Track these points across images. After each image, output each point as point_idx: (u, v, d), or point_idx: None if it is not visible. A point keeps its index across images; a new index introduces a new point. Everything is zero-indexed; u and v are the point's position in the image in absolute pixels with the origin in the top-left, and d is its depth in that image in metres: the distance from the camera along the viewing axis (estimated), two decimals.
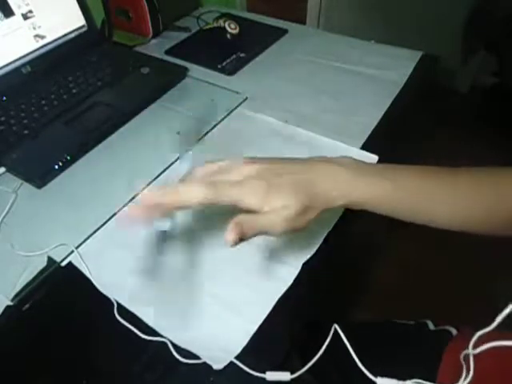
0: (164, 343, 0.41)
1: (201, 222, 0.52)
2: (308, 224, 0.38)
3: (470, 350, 0.35)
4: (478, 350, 0.35)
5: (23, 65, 0.71)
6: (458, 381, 0.37)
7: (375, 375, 0.39)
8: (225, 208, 0.52)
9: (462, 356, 0.37)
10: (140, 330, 0.42)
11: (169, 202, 0.35)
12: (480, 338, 0.35)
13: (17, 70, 0.71)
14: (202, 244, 0.50)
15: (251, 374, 0.39)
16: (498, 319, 0.33)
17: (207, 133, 0.64)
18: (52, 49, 0.75)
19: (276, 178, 0.37)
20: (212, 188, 0.35)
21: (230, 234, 0.34)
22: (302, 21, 1.26)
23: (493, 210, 0.43)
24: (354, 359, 0.38)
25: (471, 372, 0.36)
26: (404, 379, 0.38)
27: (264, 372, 0.39)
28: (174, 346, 0.41)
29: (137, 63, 0.76)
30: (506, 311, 0.32)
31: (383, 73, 0.74)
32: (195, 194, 0.35)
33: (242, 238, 0.34)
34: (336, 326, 0.40)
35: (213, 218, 0.52)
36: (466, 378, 0.37)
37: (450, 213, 0.44)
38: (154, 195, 0.35)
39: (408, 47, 0.80)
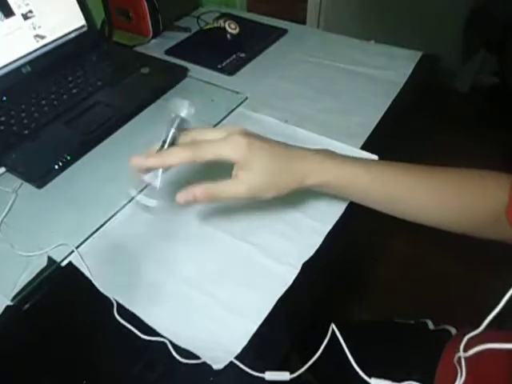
0: (164, 343, 0.41)
1: (201, 221, 0.52)
2: (278, 193, 0.41)
3: (461, 353, 0.36)
4: (468, 353, 0.36)
5: (23, 65, 0.72)
6: (455, 381, 0.37)
7: (375, 374, 0.39)
8: (225, 210, 0.52)
9: (455, 359, 0.38)
10: (140, 330, 0.42)
11: (153, 165, 0.39)
12: (474, 339, 0.35)
13: (17, 69, 0.71)
14: (202, 244, 0.50)
15: (251, 374, 0.39)
16: (486, 322, 0.34)
17: None
18: (52, 49, 0.75)
19: (258, 140, 0.40)
20: (194, 149, 0.39)
21: (183, 195, 0.39)
22: (302, 21, 1.26)
23: (469, 211, 0.44)
24: (352, 364, 0.39)
25: (464, 374, 0.37)
26: (403, 378, 0.38)
27: (264, 372, 0.39)
28: (174, 346, 0.41)
29: (137, 63, 0.76)
30: (493, 314, 0.33)
31: (383, 73, 0.74)
32: (176, 157, 0.39)
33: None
34: (333, 325, 0.40)
35: (213, 218, 0.53)
36: (459, 380, 0.37)
37: (425, 209, 0.45)
38: (140, 160, 0.40)
39: (408, 47, 0.80)
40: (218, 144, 0.39)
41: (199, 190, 0.39)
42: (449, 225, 0.45)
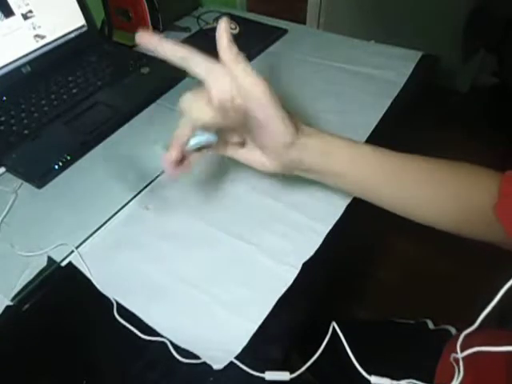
0: (164, 343, 0.41)
1: (201, 221, 0.52)
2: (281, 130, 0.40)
3: (459, 353, 0.36)
4: (464, 353, 0.36)
5: (23, 65, 0.72)
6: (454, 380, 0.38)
7: (375, 374, 0.39)
8: (225, 210, 0.52)
9: (451, 358, 0.38)
10: (140, 330, 0.42)
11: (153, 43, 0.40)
12: (473, 338, 0.35)
13: (17, 69, 0.71)
14: (202, 244, 0.50)
15: (251, 374, 0.39)
16: (480, 319, 0.34)
17: None
18: (52, 49, 0.75)
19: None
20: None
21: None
22: (301, 21, 1.26)
23: (455, 204, 0.43)
24: (353, 361, 0.39)
25: (461, 373, 0.37)
26: (402, 378, 0.39)
27: (264, 372, 0.39)
28: (174, 346, 0.41)
29: (137, 63, 0.76)
30: (487, 310, 0.33)
31: (383, 73, 0.74)
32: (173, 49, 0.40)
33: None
34: (334, 323, 0.40)
35: (213, 218, 0.52)
36: (457, 379, 0.37)
37: (410, 199, 0.44)
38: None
39: (408, 47, 0.80)
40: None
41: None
42: (434, 219, 0.45)
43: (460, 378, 0.37)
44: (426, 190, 0.44)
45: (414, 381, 0.38)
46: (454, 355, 0.38)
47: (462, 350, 0.36)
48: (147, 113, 0.69)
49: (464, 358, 0.37)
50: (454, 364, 0.38)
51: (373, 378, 0.39)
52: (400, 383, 0.39)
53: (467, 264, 1.26)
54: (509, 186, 0.41)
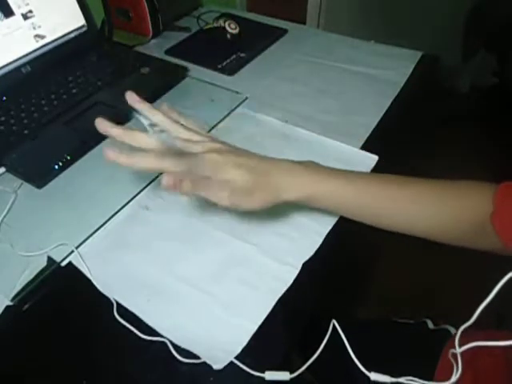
0: (164, 343, 0.41)
1: (201, 221, 0.52)
2: (256, 207, 0.41)
3: (457, 348, 0.37)
4: (462, 348, 0.36)
5: (23, 65, 0.71)
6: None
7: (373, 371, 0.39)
8: (225, 210, 0.52)
9: (449, 354, 0.38)
10: (140, 330, 0.42)
11: (122, 162, 0.42)
12: (473, 338, 0.35)
13: (17, 70, 0.71)
14: (202, 244, 0.50)
15: (251, 374, 0.39)
16: (476, 314, 0.35)
17: (207, 133, 0.64)
18: (52, 49, 0.75)
19: (234, 157, 0.40)
20: (164, 160, 0.39)
21: (169, 177, 0.37)
22: (302, 21, 1.26)
23: (454, 222, 0.44)
24: (352, 357, 0.39)
25: (460, 369, 0.37)
26: (400, 376, 0.39)
27: (264, 372, 0.39)
28: (174, 346, 0.41)
29: (137, 63, 0.76)
30: (483, 305, 0.34)
31: (383, 73, 0.74)
32: (144, 162, 0.40)
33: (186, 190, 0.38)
34: (334, 321, 0.40)
35: (214, 218, 0.53)
36: (455, 375, 0.37)
37: (409, 220, 0.45)
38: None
39: (408, 47, 0.81)
40: (193, 161, 0.39)
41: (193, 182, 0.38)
42: (435, 236, 0.46)
43: (458, 374, 0.37)
44: (423, 212, 0.45)
45: (413, 377, 0.39)
46: (452, 351, 0.38)
47: (460, 347, 0.36)
48: None
49: (463, 356, 0.37)
50: (453, 360, 0.38)
51: (372, 375, 0.39)
52: (399, 380, 0.39)
53: (467, 264, 1.26)
54: (503, 197, 0.41)
